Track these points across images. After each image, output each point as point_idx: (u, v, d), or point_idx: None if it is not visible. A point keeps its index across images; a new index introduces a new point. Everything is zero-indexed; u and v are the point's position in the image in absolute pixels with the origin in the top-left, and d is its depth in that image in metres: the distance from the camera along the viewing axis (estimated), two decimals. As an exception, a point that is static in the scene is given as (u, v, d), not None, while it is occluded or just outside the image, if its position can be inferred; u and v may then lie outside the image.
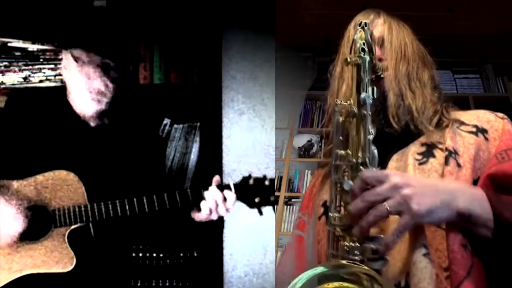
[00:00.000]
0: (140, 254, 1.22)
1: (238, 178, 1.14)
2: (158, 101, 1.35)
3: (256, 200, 1.11)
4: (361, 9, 0.94)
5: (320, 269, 0.64)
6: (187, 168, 1.33)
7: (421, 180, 0.69)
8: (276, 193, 2.66)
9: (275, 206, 2.59)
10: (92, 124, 1.18)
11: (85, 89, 1.13)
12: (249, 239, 1.35)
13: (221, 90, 1.39)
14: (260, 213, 1.11)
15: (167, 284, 1.22)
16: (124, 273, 1.19)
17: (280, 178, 2.76)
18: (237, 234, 1.34)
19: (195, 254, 1.24)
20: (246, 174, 1.14)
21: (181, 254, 1.23)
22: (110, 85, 1.14)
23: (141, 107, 1.26)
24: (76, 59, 1.12)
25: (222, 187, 1.11)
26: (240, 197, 1.11)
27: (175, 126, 1.34)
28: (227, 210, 1.11)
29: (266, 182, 1.12)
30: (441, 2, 2.64)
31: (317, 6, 2.72)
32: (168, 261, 1.23)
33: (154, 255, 1.22)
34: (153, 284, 1.22)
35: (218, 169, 1.33)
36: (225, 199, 1.10)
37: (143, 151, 1.20)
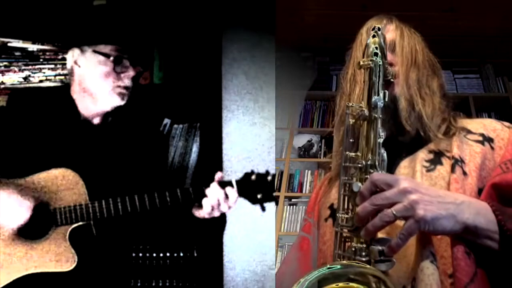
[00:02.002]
0: (140, 254, 1.21)
1: (238, 178, 1.12)
2: (158, 101, 1.35)
3: (259, 196, 1.09)
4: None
5: (327, 269, 0.64)
6: (187, 168, 1.34)
7: (430, 188, 0.69)
8: (276, 193, 2.65)
9: (276, 206, 2.59)
10: (94, 122, 1.17)
11: (109, 84, 1.13)
12: (249, 239, 1.35)
13: (221, 90, 1.39)
14: (263, 209, 1.10)
15: (167, 284, 1.22)
16: (124, 272, 1.18)
17: (280, 178, 2.76)
18: (237, 234, 1.34)
19: (195, 254, 1.24)
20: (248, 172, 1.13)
21: (181, 254, 1.23)
22: (131, 83, 1.15)
23: (141, 107, 1.25)
24: (105, 55, 1.12)
25: (224, 184, 1.10)
26: (242, 193, 1.10)
27: (175, 126, 1.34)
28: (229, 207, 1.09)
29: (269, 178, 1.10)
30: (441, 2, 2.64)
31: (317, 6, 2.71)
32: (168, 261, 1.22)
33: (154, 255, 1.22)
34: (153, 284, 1.22)
35: (218, 169, 1.33)
36: (227, 197, 1.08)
37: (144, 149, 1.19)
